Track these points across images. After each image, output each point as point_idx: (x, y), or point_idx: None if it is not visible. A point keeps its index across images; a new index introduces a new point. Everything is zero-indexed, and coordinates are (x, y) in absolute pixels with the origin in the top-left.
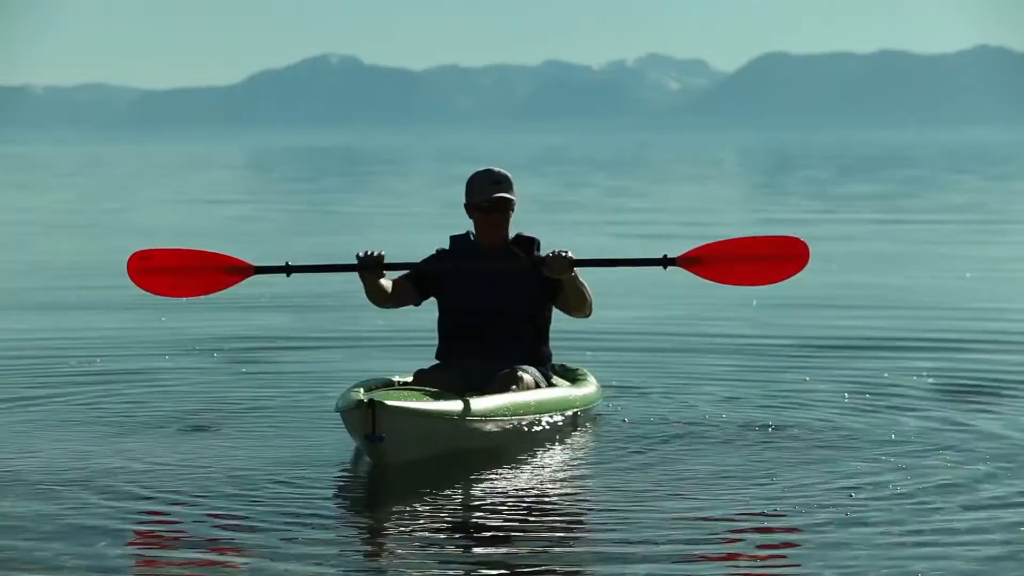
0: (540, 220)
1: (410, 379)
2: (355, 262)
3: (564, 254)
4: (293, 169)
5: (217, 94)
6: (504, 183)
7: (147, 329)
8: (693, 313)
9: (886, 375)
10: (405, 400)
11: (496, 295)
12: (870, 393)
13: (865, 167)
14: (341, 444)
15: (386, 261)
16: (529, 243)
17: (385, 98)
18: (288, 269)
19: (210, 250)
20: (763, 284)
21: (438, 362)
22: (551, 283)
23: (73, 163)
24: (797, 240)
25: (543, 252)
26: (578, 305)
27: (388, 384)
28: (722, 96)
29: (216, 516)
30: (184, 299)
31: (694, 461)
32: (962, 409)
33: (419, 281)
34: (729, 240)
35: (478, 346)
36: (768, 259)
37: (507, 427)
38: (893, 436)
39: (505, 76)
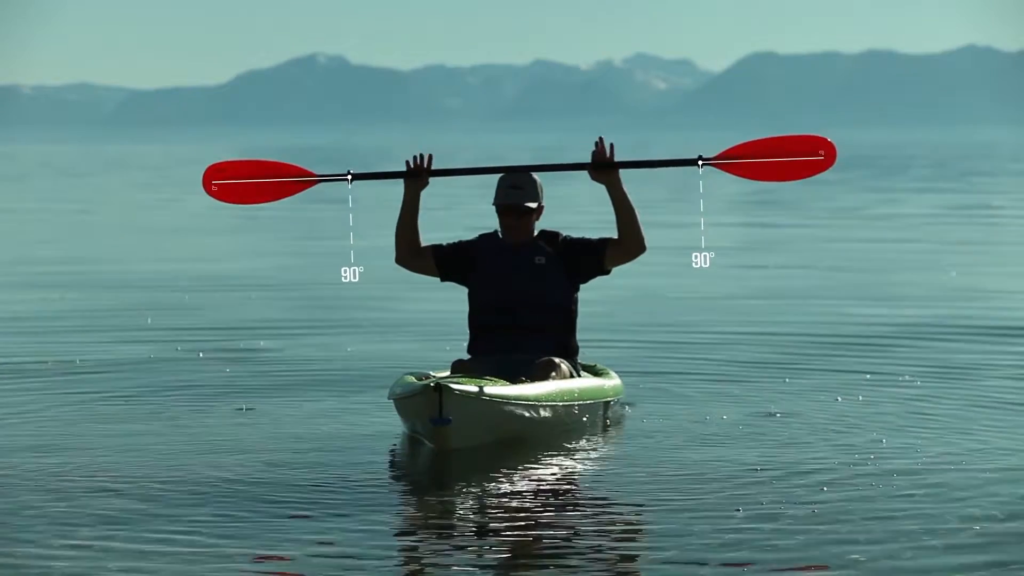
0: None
1: (446, 372)
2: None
3: (607, 155)
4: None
5: (204, 94)
6: (524, 188)
7: (134, 325)
8: (707, 304)
9: (901, 369)
10: (468, 385)
11: (525, 288)
12: (883, 386)
13: (854, 166)
14: (359, 436)
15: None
16: (554, 236)
17: (373, 98)
18: (348, 176)
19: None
20: (792, 179)
21: (469, 356)
22: (577, 273)
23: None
24: (824, 140)
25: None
26: (629, 220)
27: (427, 377)
28: (709, 96)
29: (248, 506)
30: (186, 297)
31: (718, 454)
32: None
33: (445, 256)
34: (759, 140)
35: (509, 339)
36: (797, 156)
37: (557, 413)
38: (900, 426)
39: (493, 76)
